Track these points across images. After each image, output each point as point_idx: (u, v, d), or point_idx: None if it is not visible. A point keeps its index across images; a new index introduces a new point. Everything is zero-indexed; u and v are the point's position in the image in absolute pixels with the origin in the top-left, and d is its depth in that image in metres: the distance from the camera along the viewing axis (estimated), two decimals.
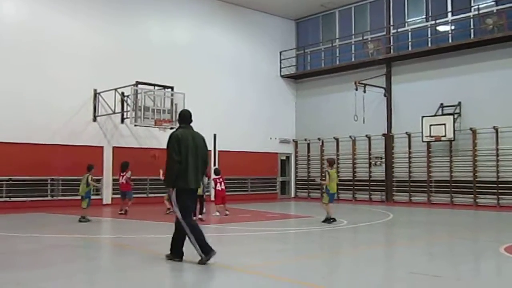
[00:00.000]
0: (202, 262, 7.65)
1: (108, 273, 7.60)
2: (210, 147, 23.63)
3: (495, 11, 20.65)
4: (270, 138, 26.44)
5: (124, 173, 16.77)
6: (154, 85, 19.57)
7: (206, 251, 7.67)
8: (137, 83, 19.11)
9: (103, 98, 20.52)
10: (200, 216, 14.19)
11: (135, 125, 19.53)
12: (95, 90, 20.65)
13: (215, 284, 6.90)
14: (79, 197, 14.88)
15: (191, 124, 8.27)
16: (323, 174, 14.19)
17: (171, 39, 23.26)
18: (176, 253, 7.94)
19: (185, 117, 8.22)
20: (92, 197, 20.14)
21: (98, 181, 19.21)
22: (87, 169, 14.52)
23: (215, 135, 23.97)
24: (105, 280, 7.06)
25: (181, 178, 7.75)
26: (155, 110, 19.42)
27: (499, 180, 19.92)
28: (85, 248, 9.99)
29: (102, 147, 20.85)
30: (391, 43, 24.03)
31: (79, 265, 8.01)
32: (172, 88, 19.96)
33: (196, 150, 7.96)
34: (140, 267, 7.76)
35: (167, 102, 19.92)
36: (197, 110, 22.86)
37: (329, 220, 13.48)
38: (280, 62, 27.24)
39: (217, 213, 15.94)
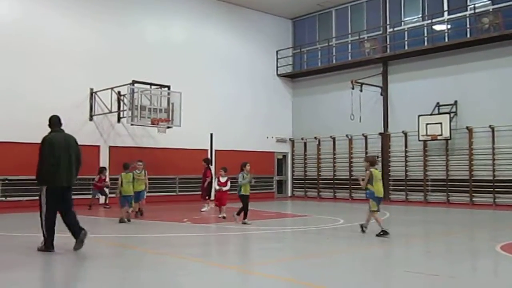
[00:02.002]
0: (40, 248, 8.66)
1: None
2: (206, 146, 23.84)
3: (491, 10, 20.69)
4: (267, 137, 26.43)
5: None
6: (150, 84, 19.54)
7: (48, 246, 8.63)
8: (134, 82, 19.08)
9: (100, 97, 20.48)
10: (245, 220, 13.10)
11: (132, 124, 19.50)
12: (91, 89, 20.60)
13: (214, 284, 6.89)
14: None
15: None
16: (362, 177, 11.72)
17: (167, 38, 23.23)
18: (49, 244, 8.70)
19: (55, 122, 9.02)
20: (89, 196, 20.33)
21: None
22: (123, 167, 14.23)
23: (211, 134, 23.97)
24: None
25: (54, 177, 8.63)
26: (152, 109, 19.38)
27: (495, 179, 19.97)
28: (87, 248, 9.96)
29: (98, 146, 20.81)
30: (388, 42, 24.05)
31: (79, 266, 8.00)
32: (168, 87, 19.93)
33: (69, 151, 8.76)
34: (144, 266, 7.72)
35: (163, 101, 19.91)
36: (193, 109, 23.10)
37: (384, 233, 10.87)
38: (277, 61, 27.24)
39: (220, 215, 14.80)
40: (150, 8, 22.80)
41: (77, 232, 8.70)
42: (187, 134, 21.85)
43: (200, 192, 18.56)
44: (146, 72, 20.48)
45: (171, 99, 19.84)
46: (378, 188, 11.34)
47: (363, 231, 11.33)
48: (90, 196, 18.96)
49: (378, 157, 23.46)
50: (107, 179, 19.49)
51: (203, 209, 17.43)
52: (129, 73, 19.73)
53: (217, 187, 14.93)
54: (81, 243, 8.65)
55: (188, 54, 23.58)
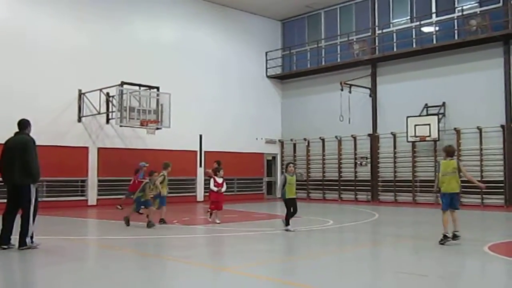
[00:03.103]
0: None
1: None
2: (196, 147, 23.79)
3: (478, 12, 20.88)
4: (256, 139, 26.45)
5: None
6: (139, 85, 19.47)
7: None
8: (123, 83, 19.00)
9: (88, 99, 20.37)
10: (288, 227, 11.98)
11: (121, 126, 19.42)
12: (79, 91, 20.49)
13: (204, 285, 6.88)
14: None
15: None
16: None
17: (156, 39, 23.16)
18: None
19: (18, 125, 9.43)
20: (77, 198, 20.21)
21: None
22: (163, 166, 13.66)
23: (201, 136, 23.94)
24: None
25: (2, 176, 9.27)
26: (141, 111, 19.34)
27: (483, 180, 20.05)
28: (73, 249, 9.91)
29: (87, 147, 20.70)
30: (376, 44, 24.16)
31: (66, 267, 7.95)
32: (157, 88, 19.88)
33: (12, 152, 9.02)
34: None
35: (152, 102, 19.85)
36: (182, 110, 23.04)
37: (448, 238, 9.66)
38: (266, 63, 27.27)
39: (217, 220, 13.67)
40: (140, 9, 22.73)
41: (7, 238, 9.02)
42: (176, 136, 21.81)
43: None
44: (135, 73, 20.42)
45: (160, 100, 19.79)
46: (451, 184, 9.89)
47: (446, 242, 9.65)
48: (122, 197, 18.60)
49: (366, 158, 23.61)
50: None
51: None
52: (118, 74, 19.66)
53: (215, 189, 13.56)
54: None
55: (178, 55, 23.55)
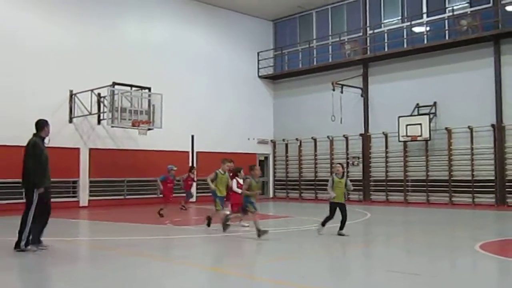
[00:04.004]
0: None
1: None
2: (188, 148, 23.74)
3: (469, 12, 21.00)
4: (248, 139, 26.44)
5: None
6: (131, 86, 19.42)
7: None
8: (114, 84, 18.94)
9: (79, 99, 20.28)
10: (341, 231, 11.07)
11: (112, 126, 19.36)
12: (71, 91, 20.40)
13: (198, 285, 6.87)
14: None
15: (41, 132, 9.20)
16: None
17: (148, 39, 23.09)
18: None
19: (35, 126, 9.23)
20: (69, 199, 20.10)
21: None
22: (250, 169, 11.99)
23: (193, 136, 23.90)
24: None
25: None
26: (132, 111, 19.29)
27: (474, 179, 20.23)
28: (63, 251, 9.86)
29: (78, 148, 20.60)
30: (368, 44, 24.24)
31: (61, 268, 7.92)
32: (149, 89, 19.84)
33: (24, 156, 9.00)
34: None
35: (144, 103, 19.81)
36: (174, 110, 22.98)
37: None
38: (258, 63, 27.28)
39: (246, 224, 12.67)
40: (131, 9, 22.68)
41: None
42: (168, 136, 21.76)
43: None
44: (127, 73, 20.32)
45: (152, 100, 19.75)
46: None
47: None
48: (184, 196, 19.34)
49: (358, 157, 23.67)
50: (195, 179, 20.05)
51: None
52: (109, 75, 19.58)
53: (239, 191, 12.53)
54: None
55: (169, 55, 23.49)
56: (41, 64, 19.67)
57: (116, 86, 18.94)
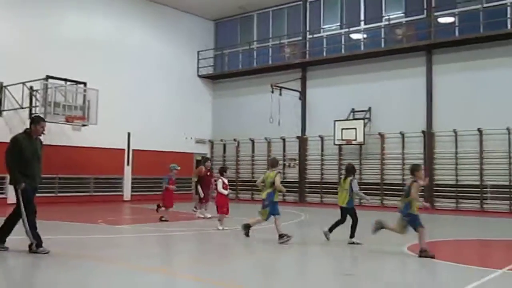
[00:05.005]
0: None
1: None
2: (124, 145, 23.28)
3: (404, 22, 21.80)
4: (186, 138, 26.26)
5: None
6: (66, 80, 18.87)
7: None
8: (48, 77, 18.33)
9: (10, 92, 19.45)
10: (353, 239, 10.45)
11: (45, 121, 18.66)
12: (1, 83, 19.53)
13: (130, 285, 6.75)
14: None
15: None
16: None
17: (85, 33, 22.40)
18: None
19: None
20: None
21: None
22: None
23: (129, 134, 23.46)
24: None
25: None
26: (66, 106, 18.75)
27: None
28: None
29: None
30: (307, 48, 24.64)
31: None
32: (85, 83, 19.34)
33: None
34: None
35: (79, 98, 19.29)
36: (111, 107, 22.49)
37: None
38: (198, 62, 27.14)
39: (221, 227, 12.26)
40: (69, 1, 21.94)
41: None
42: (103, 133, 21.26)
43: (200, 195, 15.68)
44: (63, 67, 19.70)
45: (88, 96, 19.28)
46: None
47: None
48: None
49: (295, 159, 23.97)
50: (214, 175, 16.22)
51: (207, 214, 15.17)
52: (43, 68, 18.93)
53: (225, 192, 12.17)
54: None
55: (107, 50, 22.94)
56: None
57: (50, 80, 18.34)
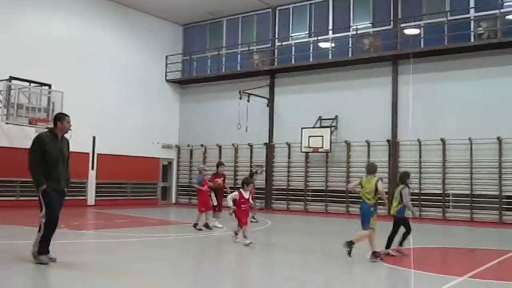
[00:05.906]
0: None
1: None
2: (89, 149, 22.91)
3: (371, 32, 22.16)
4: (153, 143, 26.00)
5: None
6: (30, 81, 18.50)
7: None
8: (11, 78, 17.94)
9: None
10: (400, 247, 10.27)
11: (7, 123, 18.33)
12: None
13: None
14: None
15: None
16: None
17: (51, 33, 21.96)
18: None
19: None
20: None
21: None
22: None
23: (94, 138, 23.09)
24: None
25: None
26: (30, 108, 18.39)
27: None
28: None
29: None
30: (275, 56, 24.77)
31: None
32: (49, 85, 18.99)
33: None
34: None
35: (43, 100, 18.94)
36: (76, 110, 21.88)
37: None
38: (166, 66, 26.96)
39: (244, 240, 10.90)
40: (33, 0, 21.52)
41: None
42: (68, 136, 20.83)
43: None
44: (26, 68, 19.25)
45: (52, 98, 18.95)
46: None
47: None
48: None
49: (262, 166, 24.00)
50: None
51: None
52: (6, 68, 18.48)
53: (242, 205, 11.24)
54: None
55: (73, 52, 22.53)
56: None
57: (13, 81, 17.94)
